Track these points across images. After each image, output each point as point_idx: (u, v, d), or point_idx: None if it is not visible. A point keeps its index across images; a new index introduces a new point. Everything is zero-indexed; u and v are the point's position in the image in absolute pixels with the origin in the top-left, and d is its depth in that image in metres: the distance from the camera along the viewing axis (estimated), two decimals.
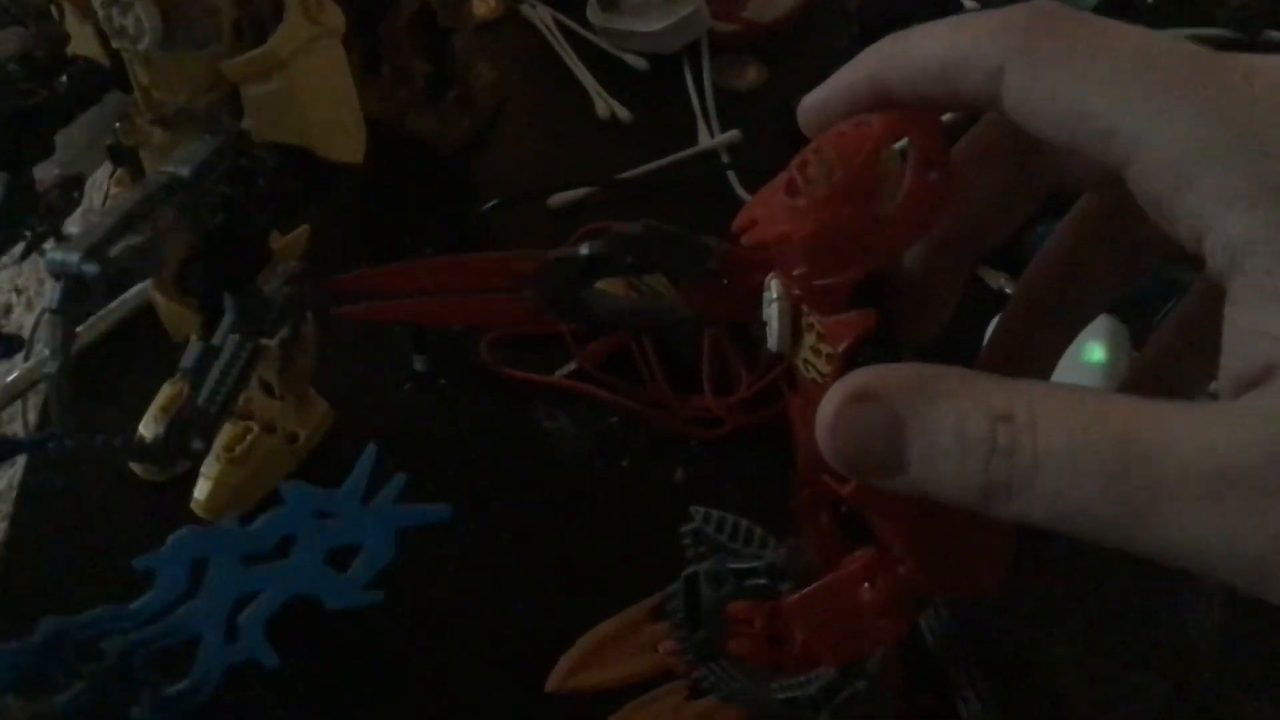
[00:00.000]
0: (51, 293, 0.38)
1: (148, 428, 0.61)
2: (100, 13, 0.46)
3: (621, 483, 0.64)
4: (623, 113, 0.84)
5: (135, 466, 0.62)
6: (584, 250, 0.37)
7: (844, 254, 0.29)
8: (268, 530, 0.41)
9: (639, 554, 0.60)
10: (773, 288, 0.31)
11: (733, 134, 0.82)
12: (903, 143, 0.29)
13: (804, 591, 0.35)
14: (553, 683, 0.49)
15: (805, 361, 0.31)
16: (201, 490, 0.59)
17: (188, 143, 0.43)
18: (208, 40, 0.46)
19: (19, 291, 1.66)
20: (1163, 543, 0.21)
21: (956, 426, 0.23)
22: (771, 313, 0.31)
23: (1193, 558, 0.21)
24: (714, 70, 0.87)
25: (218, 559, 0.40)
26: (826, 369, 0.30)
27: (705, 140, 0.82)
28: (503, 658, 0.55)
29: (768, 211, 0.31)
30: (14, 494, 0.64)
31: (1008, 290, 0.70)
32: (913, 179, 0.28)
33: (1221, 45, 0.83)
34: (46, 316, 0.37)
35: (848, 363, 0.29)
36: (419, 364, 0.68)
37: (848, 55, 0.83)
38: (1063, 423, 0.22)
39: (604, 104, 0.85)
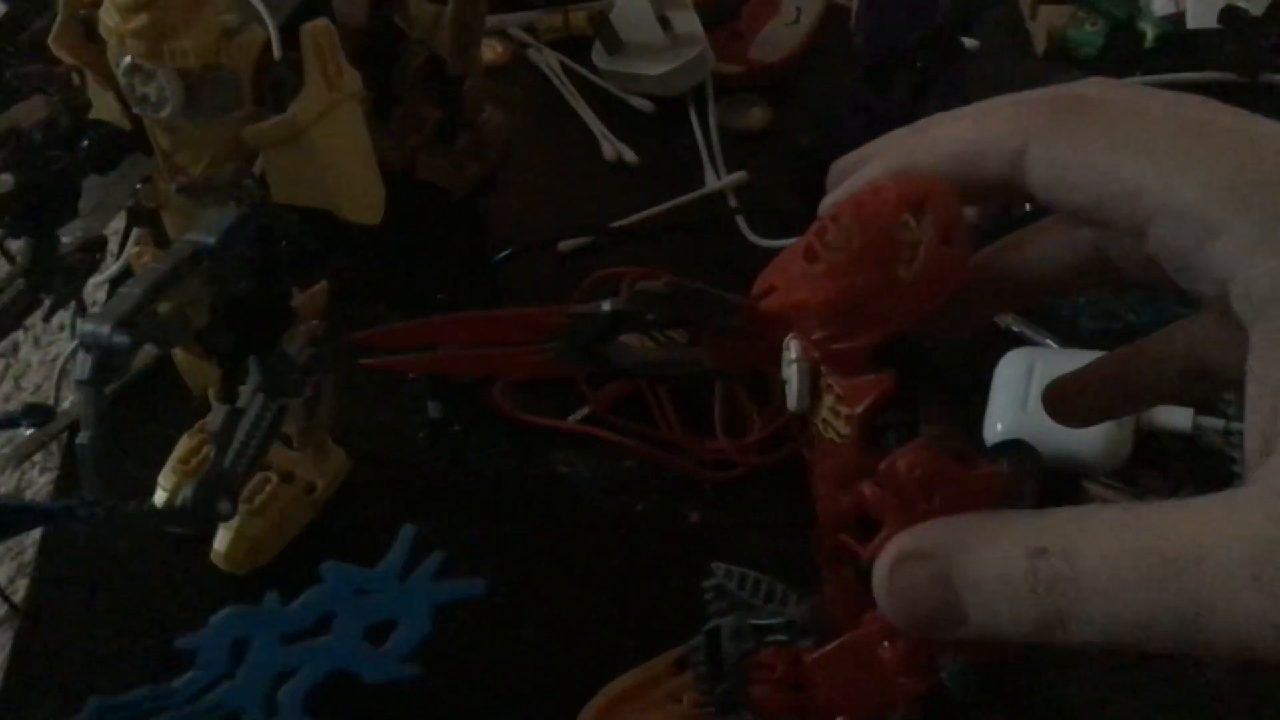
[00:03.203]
0: (81, 364, 0.39)
1: (166, 479, 0.62)
2: (123, 81, 0.47)
3: (637, 526, 0.64)
4: (629, 155, 0.85)
5: None
6: (606, 306, 0.37)
7: (862, 319, 0.29)
8: (307, 609, 0.42)
9: (656, 598, 0.60)
10: (792, 349, 0.31)
11: (739, 175, 0.82)
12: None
13: (825, 649, 0.35)
14: None
15: (824, 422, 0.31)
16: (221, 542, 0.60)
17: (212, 210, 0.44)
18: (228, 107, 0.47)
19: (26, 329, 1.67)
20: (1214, 638, 0.21)
21: (999, 571, 0.24)
22: (791, 373, 0.31)
23: (1245, 648, 0.21)
24: (719, 111, 0.87)
25: (258, 637, 0.41)
26: (845, 430, 0.31)
27: (712, 181, 0.82)
28: (522, 706, 0.55)
29: (787, 277, 0.31)
30: (35, 547, 0.64)
31: (1015, 329, 0.71)
32: (929, 248, 0.29)
33: (1221, 89, 0.84)
34: (78, 387, 0.37)
35: (866, 424, 0.30)
36: (434, 411, 0.69)
37: (851, 95, 0.83)
38: (1096, 545, 0.23)
39: (610, 146, 0.86)
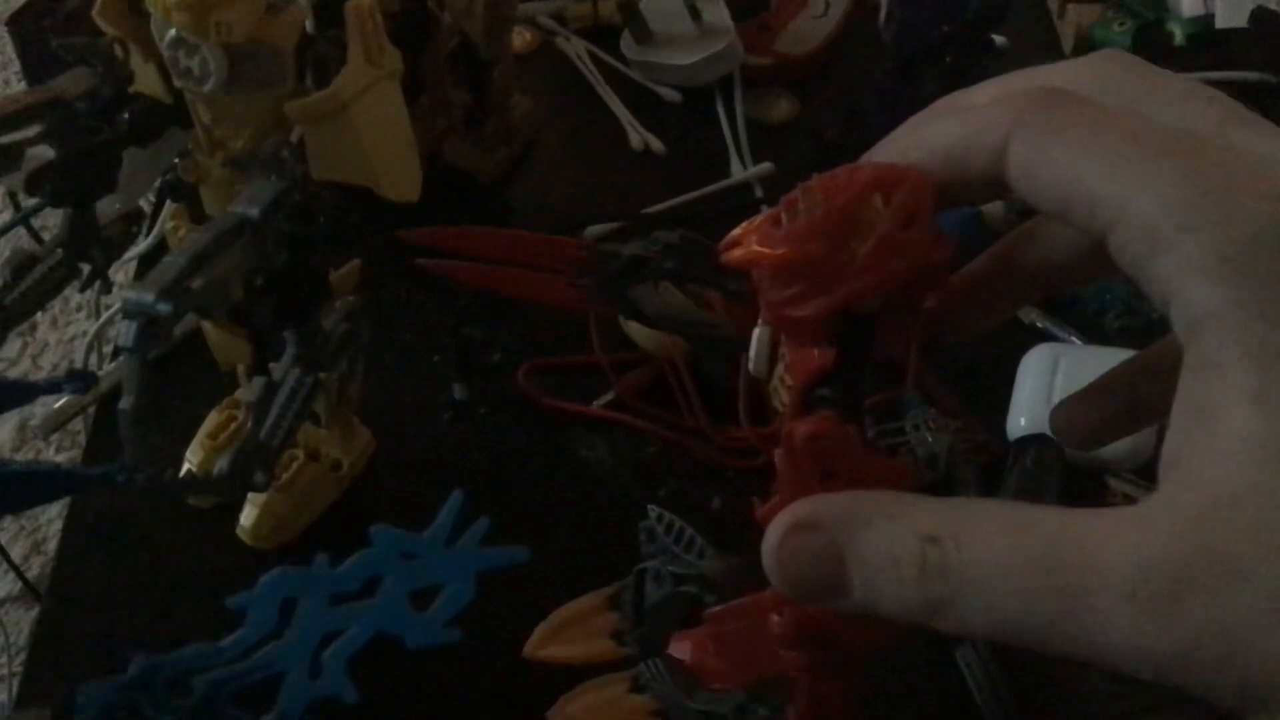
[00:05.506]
0: (125, 331, 0.39)
1: (194, 454, 0.62)
2: (166, 55, 0.47)
3: None
4: (656, 144, 0.85)
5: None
6: (627, 250, 0.37)
7: (811, 287, 0.29)
8: (355, 571, 0.42)
9: None
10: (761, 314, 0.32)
11: (765, 166, 0.83)
12: None
13: (719, 608, 0.36)
14: (528, 649, 0.51)
15: (774, 390, 0.32)
16: (248, 517, 0.60)
17: (253, 183, 0.44)
18: (271, 82, 0.47)
19: (44, 310, 1.67)
20: (1088, 646, 0.22)
21: (889, 551, 0.24)
22: (754, 337, 0.32)
23: (1116, 660, 0.22)
24: (746, 103, 0.88)
25: (306, 598, 0.41)
26: (787, 400, 0.31)
27: (738, 172, 0.83)
28: (533, 681, 0.56)
29: (750, 237, 0.32)
30: (61, 520, 0.65)
31: (1039, 324, 0.71)
32: (885, 230, 0.29)
33: (1252, 88, 0.83)
34: (123, 356, 0.38)
35: (800, 395, 0.30)
36: (459, 393, 0.69)
37: (879, 88, 0.83)
38: (985, 540, 0.23)
39: (637, 135, 0.86)
